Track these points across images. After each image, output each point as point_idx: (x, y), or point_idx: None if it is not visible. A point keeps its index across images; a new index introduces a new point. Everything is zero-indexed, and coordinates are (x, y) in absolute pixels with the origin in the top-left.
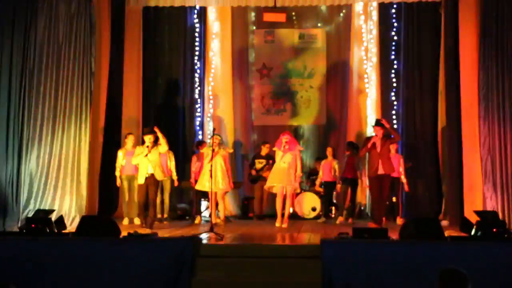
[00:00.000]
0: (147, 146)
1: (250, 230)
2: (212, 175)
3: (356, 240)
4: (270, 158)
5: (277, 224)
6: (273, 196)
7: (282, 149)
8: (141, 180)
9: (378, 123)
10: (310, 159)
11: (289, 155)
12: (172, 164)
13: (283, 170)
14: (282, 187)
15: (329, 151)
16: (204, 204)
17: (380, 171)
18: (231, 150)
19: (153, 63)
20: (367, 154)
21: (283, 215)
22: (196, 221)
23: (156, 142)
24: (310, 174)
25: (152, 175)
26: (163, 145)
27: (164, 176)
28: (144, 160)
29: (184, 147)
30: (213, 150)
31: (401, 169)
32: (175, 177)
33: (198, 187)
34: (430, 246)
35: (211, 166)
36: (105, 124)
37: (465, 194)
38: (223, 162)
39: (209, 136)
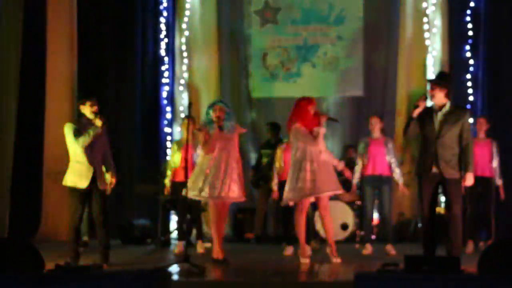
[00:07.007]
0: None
1: (247, 259)
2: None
3: (410, 275)
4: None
5: (303, 259)
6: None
7: (318, 129)
8: (82, 182)
9: (441, 77)
10: (338, 148)
11: (320, 139)
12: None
13: (325, 165)
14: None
15: (374, 122)
16: (175, 219)
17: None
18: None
19: (93, 4)
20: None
21: (308, 241)
22: (176, 250)
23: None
24: (338, 173)
25: (94, 178)
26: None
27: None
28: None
29: (144, 132)
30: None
31: (495, 163)
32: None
33: (191, 193)
34: None
35: (223, 165)
36: (19, 108)
37: None
38: (235, 151)
39: (182, 116)
